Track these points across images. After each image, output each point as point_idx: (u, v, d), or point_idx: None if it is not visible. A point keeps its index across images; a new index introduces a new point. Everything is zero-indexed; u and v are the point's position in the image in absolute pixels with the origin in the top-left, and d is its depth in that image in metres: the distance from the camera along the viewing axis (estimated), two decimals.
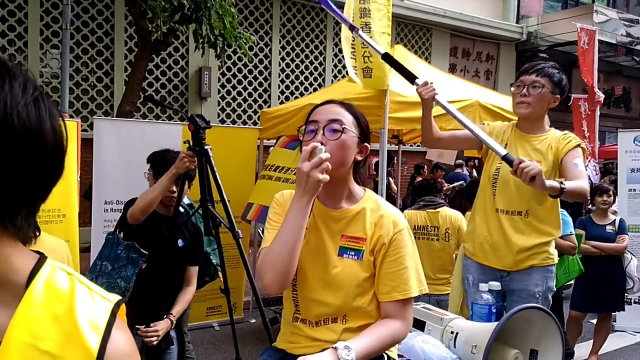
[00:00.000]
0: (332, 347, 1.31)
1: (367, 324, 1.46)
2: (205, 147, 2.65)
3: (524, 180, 2.06)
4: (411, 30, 11.57)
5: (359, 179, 1.59)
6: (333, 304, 1.46)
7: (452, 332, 1.82)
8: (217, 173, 2.73)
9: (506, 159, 2.18)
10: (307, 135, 1.49)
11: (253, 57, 9.43)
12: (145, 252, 2.60)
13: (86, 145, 4.49)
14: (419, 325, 1.92)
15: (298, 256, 1.39)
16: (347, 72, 3.59)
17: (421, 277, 1.51)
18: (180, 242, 2.69)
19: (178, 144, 4.53)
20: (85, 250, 4.42)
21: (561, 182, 2.19)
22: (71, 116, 6.43)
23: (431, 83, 2.48)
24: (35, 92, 0.66)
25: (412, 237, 1.53)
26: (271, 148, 5.17)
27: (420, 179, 6.44)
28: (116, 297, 0.72)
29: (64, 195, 4.13)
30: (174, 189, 2.65)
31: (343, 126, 1.46)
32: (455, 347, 1.78)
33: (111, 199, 4.36)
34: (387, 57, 2.74)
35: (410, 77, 2.56)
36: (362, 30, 3.41)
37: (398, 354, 1.61)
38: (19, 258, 0.67)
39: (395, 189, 7.97)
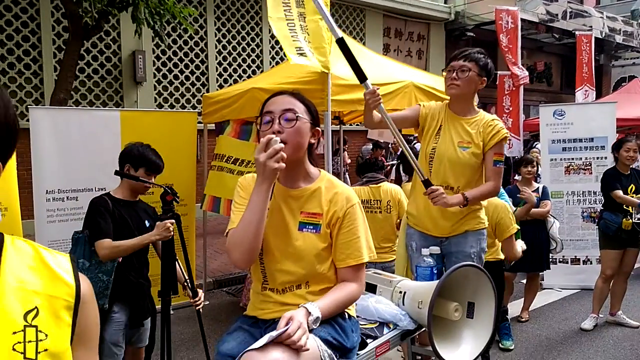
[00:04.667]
0: (302, 306, 1.50)
1: (327, 287, 1.66)
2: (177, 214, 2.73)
3: (432, 203, 2.60)
4: (345, 11, 11.76)
5: (312, 161, 1.75)
6: (297, 272, 1.64)
7: (400, 292, 2.04)
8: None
9: (426, 182, 2.62)
10: (264, 125, 1.64)
11: (188, 39, 9.30)
12: None
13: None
14: (371, 288, 2.13)
15: (262, 235, 1.56)
16: (284, 55, 3.65)
17: (371, 245, 1.72)
18: (147, 223, 2.76)
19: (116, 131, 4.51)
20: None
21: (465, 197, 2.61)
22: None
23: (377, 89, 2.52)
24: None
25: (362, 211, 1.73)
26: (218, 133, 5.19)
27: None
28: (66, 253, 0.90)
29: (5, 188, 3.99)
30: (152, 180, 2.79)
31: (297, 114, 1.62)
32: (404, 304, 2.00)
33: (52, 189, 4.29)
34: (341, 43, 2.49)
35: (361, 76, 2.51)
36: (298, 19, 3.51)
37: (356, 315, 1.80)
38: None
39: (349, 161, 9.99)
